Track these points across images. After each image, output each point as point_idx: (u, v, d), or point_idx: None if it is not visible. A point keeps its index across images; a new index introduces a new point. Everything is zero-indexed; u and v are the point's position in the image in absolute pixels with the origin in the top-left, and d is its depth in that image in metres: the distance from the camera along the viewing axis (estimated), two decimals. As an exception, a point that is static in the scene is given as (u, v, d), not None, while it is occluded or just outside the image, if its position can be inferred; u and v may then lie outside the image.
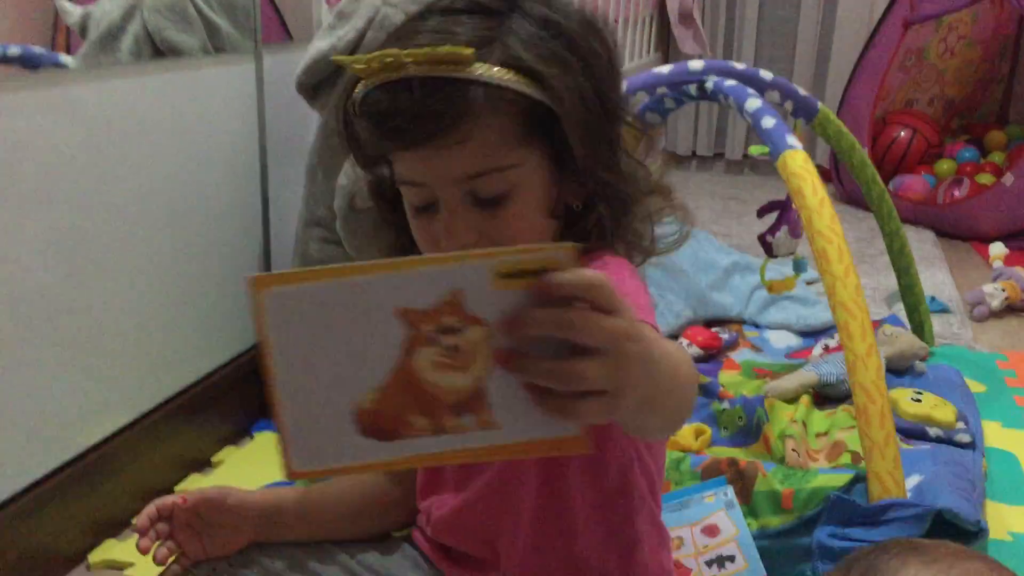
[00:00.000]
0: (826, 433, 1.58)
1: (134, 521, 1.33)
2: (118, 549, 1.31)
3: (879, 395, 1.13)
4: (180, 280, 1.49)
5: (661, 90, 1.55)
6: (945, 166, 3.25)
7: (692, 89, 1.56)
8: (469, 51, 0.65)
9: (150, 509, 0.83)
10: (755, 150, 1.42)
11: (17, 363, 1.19)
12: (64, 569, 1.27)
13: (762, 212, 1.73)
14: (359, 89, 0.70)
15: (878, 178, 1.80)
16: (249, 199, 1.65)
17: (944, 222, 3.01)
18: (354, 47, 1.51)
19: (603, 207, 0.74)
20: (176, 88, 1.45)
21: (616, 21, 3.05)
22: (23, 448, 1.22)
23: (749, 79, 1.58)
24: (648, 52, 3.58)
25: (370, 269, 0.47)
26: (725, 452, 1.53)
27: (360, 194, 1.36)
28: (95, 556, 1.29)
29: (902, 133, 3.29)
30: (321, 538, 0.88)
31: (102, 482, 1.34)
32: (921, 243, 2.81)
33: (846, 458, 1.48)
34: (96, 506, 1.33)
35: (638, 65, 3.35)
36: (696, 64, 1.56)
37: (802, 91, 1.67)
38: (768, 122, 1.37)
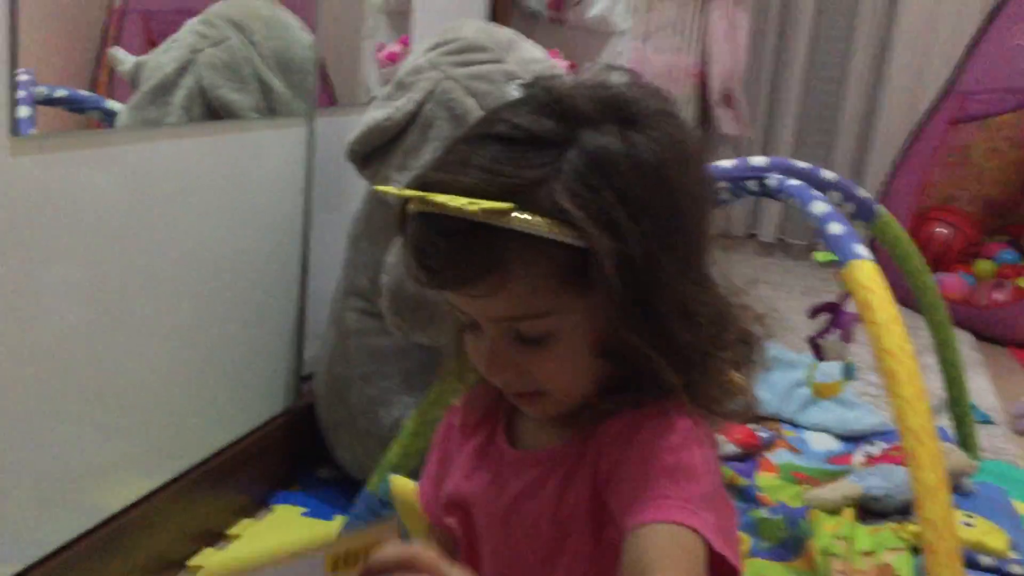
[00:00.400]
0: (872, 553, 1.51)
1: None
2: (126, 629, 1.24)
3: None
4: (211, 343, 1.44)
5: (722, 184, 1.50)
6: (984, 266, 3.20)
7: (753, 185, 1.51)
8: (508, 207, 0.63)
9: None
10: (821, 257, 1.36)
11: (35, 416, 1.14)
12: (69, 649, 1.20)
13: (814, 313, 1.67)
14: (411, 206, 0.67)
15: (934, 284, 1.75)
16: (288, 264, 1.60)
17: (982, 324, 2.95)
18: (411, 119, 1.47)
19: (660, 361, 0.67)
20: (226, 149, 1.42)
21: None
22: (38, 514, 1.16)
23: (810, 178, 1.53)
24: (688, 129, 3.55)
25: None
26: (767, 567, 1.45)
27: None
28: (101, 635, 1.22)
29: (942, 230, 3.25)
30: None
31: (115, 557, 1.27)
32: (959, 345, 2.74)
33: (893, 583, 1.40)
34: (107, 581, 1.26)
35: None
36: (759, 160, 1.52)
37: (862, 192, 1.62)
38: (835, 228, 1.32)
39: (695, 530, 0.63)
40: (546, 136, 0.65)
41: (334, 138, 1.58)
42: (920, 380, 1.17)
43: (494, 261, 0.64)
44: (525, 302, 0.65)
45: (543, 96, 0.68)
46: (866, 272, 1.25)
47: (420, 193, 0.64)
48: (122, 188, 1.22)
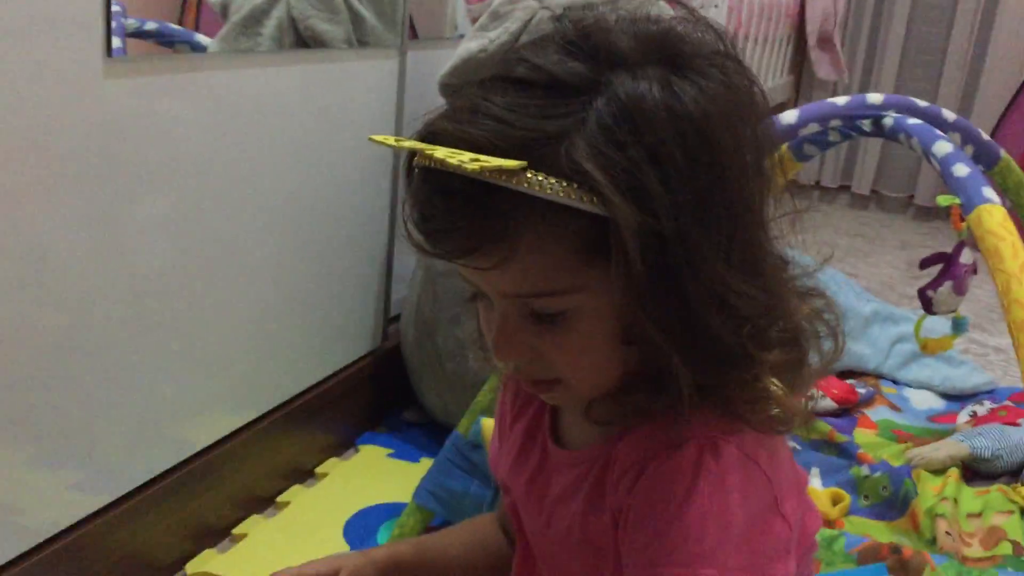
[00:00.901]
0: (979, 514, 1.44)
1: (234, 532, 1.30)
2: (217, 561, 1.24)
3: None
4: (298, 280, 1.42)
5: (834, 122, 1.41)
6: (1097, 221, 3.02)
7: (867, 124, 1.42)
8: (518, 166, 0.51)
9: None
10: (944, 200, 1.27)
11: (128, 352, 1.13)
12: (160, 579, 1.21)
13: (925, 264, 1.58)
14: (416, 159, 0.57)
15: (1056, 237, 1.63)
16: (378, 201, 1.57)
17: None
18: (506, 50, 1.41)
19: (676, 359, 0.56)
20: (316, 79, 1.38)
21: (747, 38, 2.90)
22: (131, 447, 1.16)
23: (931, 117, 1.44)
24: (781, 74, 3.42)
25: None
26: (868, 525, 1.39)
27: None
28: (193, 567, 1.23)
29: (1053, 181, 3.07)
30: None
31: (206, 489, 1.27)
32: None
33: (1005, 547, 1.34)
34: (197, 514, 1.26)
35: (768, 88, 3.20)
36: (875, 97, 1.43)
37: (984, 135, 1.51)
38: (961, 170, 1.23)
39: None
40: (571, 80, 0.54)
41: (425, 71, 1.53)
42: (1053, 334, 1.09)
43: (503, 229, 0.53)
44: (539, 277, 0.55)
45: (572, 31, 0.56)
46: (996, 217, 1.17)
47: (417, 144, 0.54)
48: (212, 117, 1.19)
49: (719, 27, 0.59)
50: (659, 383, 0.58)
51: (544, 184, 0.52)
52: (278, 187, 1.33)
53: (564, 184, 0.52)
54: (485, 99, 0.54)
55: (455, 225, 0.54)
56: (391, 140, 0.56)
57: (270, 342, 1.38)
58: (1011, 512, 1.42)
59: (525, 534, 0.74)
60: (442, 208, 0.54)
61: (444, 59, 1.47)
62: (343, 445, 1.55)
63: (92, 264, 1.05)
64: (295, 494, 1.40)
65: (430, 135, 0.55)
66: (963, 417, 1.75)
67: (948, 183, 1.25)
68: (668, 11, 0.56)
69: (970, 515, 1.43)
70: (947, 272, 1.57)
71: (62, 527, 1.07)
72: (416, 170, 0.56)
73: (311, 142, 1.38)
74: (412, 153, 0.56)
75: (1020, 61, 3.26)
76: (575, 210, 0.52)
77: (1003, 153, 1.54)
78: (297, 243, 1.40)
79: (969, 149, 1.51)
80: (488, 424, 1.23)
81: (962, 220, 1.54)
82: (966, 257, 1.59)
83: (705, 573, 0.55)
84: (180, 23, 1.46)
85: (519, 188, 0.52)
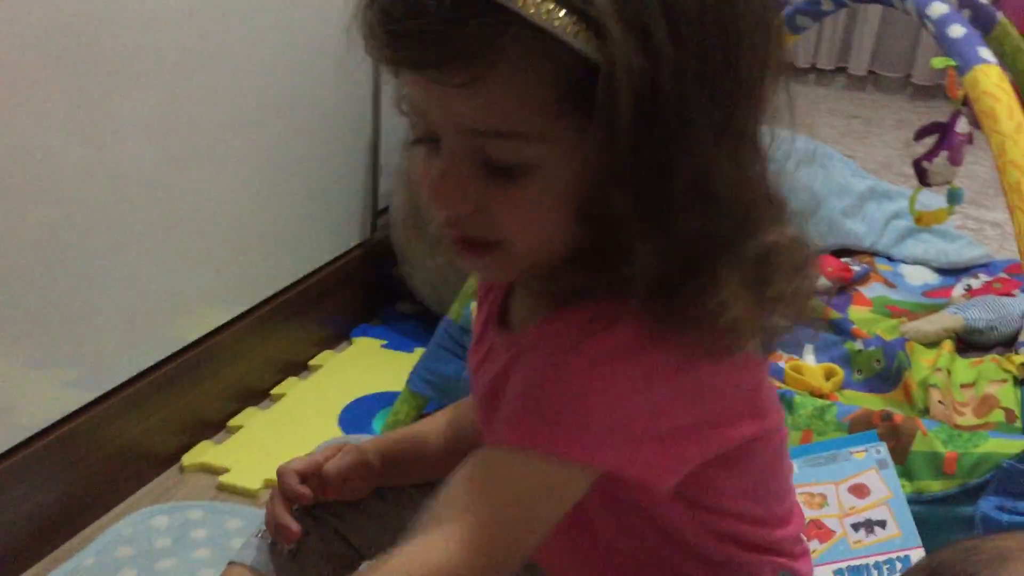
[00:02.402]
0: (972, 384, 1.44)
1: (229, 424, 1.30)
2: (213, 452, 1.25)
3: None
4: (284, 170, 1.39)
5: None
6: (1098, 94, 2.96)
7: (860, -10, 1.37)
8: None
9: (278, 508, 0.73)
10: (938, 62, 1.24)
11: (116, 247, 1.12)
12: (157, 470, 1.22)
13: (920, 134, 1.55)
14: None
15: (1055, 104, 1.60)
16: (360, 93, 1.53)
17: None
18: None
19: (644, 241, 0.50)
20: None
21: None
22: (121, 341, 1.16)
23: (925, -20, 1.39)
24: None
25: None
26: (861, 398, 1.40)
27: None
28: (189, 458, 1.24)
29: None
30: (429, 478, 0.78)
31: (200, 382, 1.28)
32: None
33: (998, 415, 1.34)
34: (192, 406, 1.27)
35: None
36: (868, -39, 1.37)
37: (982, -1, 1.46)
38: (956, 31, 1.19)
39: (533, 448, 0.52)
40: None
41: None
42: (1048, 195, 1.07)
43: (480, 43, 0.47)
44: (506, 112, 0.49)
45: None
46: (991, 77, 1.13)
47: None
48: (189, 8, 1.15)
49: None
50: (606, 264, 0.52)
51: (541, 7, 0.46)
52: (261, 77, 1.30)
53: (563, 12, 0.46)
54: None
55: (428, 27, 0.47)
56: None
57: (259, 235, 1.37)
58: (1004, 381, 1.41)
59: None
60: (420, 8, 0.47)
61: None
62: (337, 338, 1.55)
63: (76, 158, 1.03)
64: (290, 386, 1.41)
65: None
66: (958, 291, 1.74)
67: (943, 45, 1.21)
68: None
69: (963, 385, 1.43)
70: (943, 142, 1.55)
71: (53, 420, 1.07)
72: None
73: (289, 24, 1.34)
74: None
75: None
76: (565, 47, 0.47)
77: (1000, 17, 1.49)
78: (282, 137, 1.37)
79: (966, 13, 1.46)
80: (478, 308, 1.22)
81: (957, 88, 1.50)
82: (962, 126, 1.56)
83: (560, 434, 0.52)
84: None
85: (511, 4, 0.46)
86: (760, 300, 0.53)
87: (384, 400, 1.35)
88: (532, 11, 0.46)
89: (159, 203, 1.17)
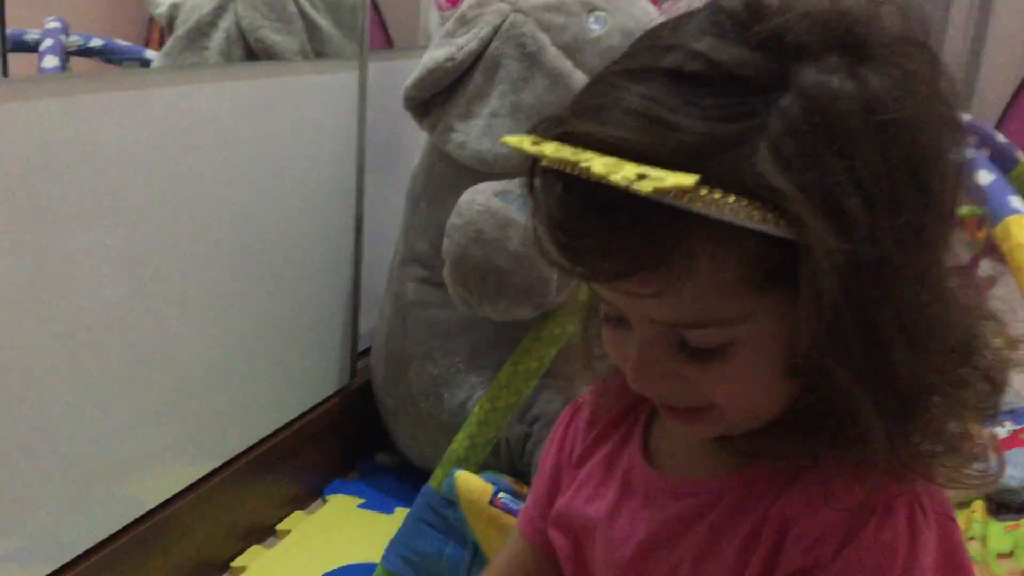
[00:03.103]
0: (1010, 554, 1.31)
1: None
2: (161, 642, 1.11)
3: None
4: (256, 316, 1.29)
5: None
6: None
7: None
8: (693, 183, 0.42)
9: None
10: (966, 211, 1.15)
11: (68, 399, 1.02)
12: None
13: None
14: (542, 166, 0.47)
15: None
16: (341, 227, 1.45)
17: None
18: (476, 59, 1.29)
19: (866, 403, 0.47)
20: (269, 95, 1.26)
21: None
22: (63, 516, 1.04)
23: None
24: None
25: None
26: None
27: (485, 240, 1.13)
28: (134, 650, 1.09)
29: (1057, 181, 2.97)
30: None
31: (150, 558, 1.14)
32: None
33: (1044, 594, 1.21)
34: (140, 586, 1.13)
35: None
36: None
37: (1001, 137, 1.39)
38: (984, 177, 1.11)
39: None
40: (749, 73, 0.44)
41: (389, 84, 1.41)
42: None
43: (669, 252, 0.45)
44: (704, 307, 0.46)
45: (739, 13, 0.46)
46: (1026, 230, 1.05)
47: (568, 155, 0.44)
48: (155, 138, 1.08)
49: (908, 3, 0.48)
50: (824, 422, 0.49)
51: (723, 204, 0.43)
52: (231, 214, 1.21)
53: (746, 203, 0.43)
54: (633, 86, 0.45)
55: (612, 245, 0.45)
56: (527, 144, 0.47)
57: (226, 385, 1.26)
58: (1045, 551, 1.29)
59: None
60: (596, 226, 0.45)
61: (410, 70, 1.35)
62: (309, 496, 1.42)
63: (22, 304, 0.94)
64: (253, 556, 1.27)
65: (566, 135, 0.45)
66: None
67: (969, 191, 1.13)
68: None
69: (1000, 556, 1.31)
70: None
71: (-20, 614, 0.94)
72: (544, 176, 0.48)
73: (266, 163, 1.26)
74: (534, 160, 0.48)
75: (1018, 59, 3.15)
76: (754, 231, 0.44)
77: (1021, 155, 1.42)
78: (254, 275, 1.27)
79: (985, 151, 1.39)
80: (464, 477, 1.10)
81: (979, 229, 1.42)
82: (984, 270, 1.48)
83: None
84: (147, 42, 1.36)
85: (690, 207, 0.43)
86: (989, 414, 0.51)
87: (359, 573, 1.22)
88: (715, 209, 0.43)
89: (116, 352, 1.07)
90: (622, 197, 0.43)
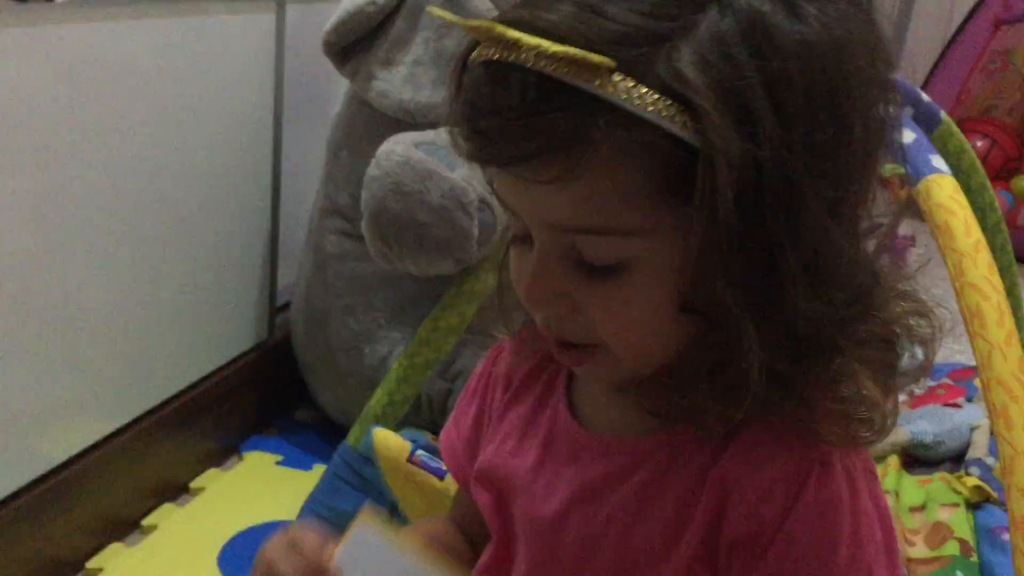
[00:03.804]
0: (922, 507, 1.34)
1: (88, 566, 1.14)
2: (66, 604, 1.07)
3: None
4: (169, 266, 1.25)
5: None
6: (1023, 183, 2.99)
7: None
8: (606, 62, 0.43)
9: None
10: (889, 169, 1.15)
11: None
12: (-4, 630, 1.04)
13: (862, 236, 1.47)
14: (473, 55, 0.48)
15: (997, 205, 1.54)
16: (258, 177, 1.40)
17: (1020, 247, 2.75)
18: (398, 4, 1.24)
19: (752, 337, 0.46)
20: (181, 36, 1.20)
21: None
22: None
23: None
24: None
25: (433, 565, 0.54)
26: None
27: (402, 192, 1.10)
28: (37, 613, 1.06)
29: (978, 143, 3.02)
30: None
31: (57, 515, 1.11)
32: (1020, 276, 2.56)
33: (952, 547, 1.24)
34: (44, 546, 1.10)
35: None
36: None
37: (925, 96, 1.40)
38: (908, 136, 1.11)
39: None
40: None
41: (309, 28, 1.36)
42: (1011, 319, 0.97)
43: (573, 135, 0.44)
44: (600, 207, 0.46)
45: None
46: (946, 189, 1.05)
47: (486, 22, 0.46)
48: (59, 80, 1.03)
49: None
50: (720, 372, 0.48)
51: (633, 93, 0.43)
52: (142, 160, 1.16)
53: (657, 96, 0.44)
54: None
55: (517, 123, 0.45)
56: (455, 18, 0.49)
57: (138, 338, 1.22)
58: (956, 505, 1.32)
59: (509, 536, 0.61)
60: (505, 103, 0.45)
61: (330, 14, 1.30)
62: (224, 453, 1.39)
63: None
64: (164, 515, 1.24)
65: (500, 20, 0.47)
66: (900, 397, 1.65)
67: (890, 150, 1.12)
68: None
69: (912, 509, 1.34)
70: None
71: None
72: (470, 68, 0.48)
73: (177, 107, 1.21)
74: (469, 48, 0.49)
75: (946, 20, 3.19)
76: (660, 132, 0.44)
77: (944, 115, 1.42)
78: (166, 224, 1.23)
79: (908, 111, 1.39)
80: (381, 435, 1.08)
81: (900, 188, 1.43)
82: (904, 229, 1.50)
83: None
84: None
85: (600, 93, 0.43)
86: (889, 382, 0.51)
87: (274, 532, 1.19)
88: (624, 97, 0.44)
89: (20, 302, 1.02)
90: (534, 76, 0.44)
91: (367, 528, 0.55)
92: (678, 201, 0.45)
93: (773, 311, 0.46)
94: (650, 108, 0.43)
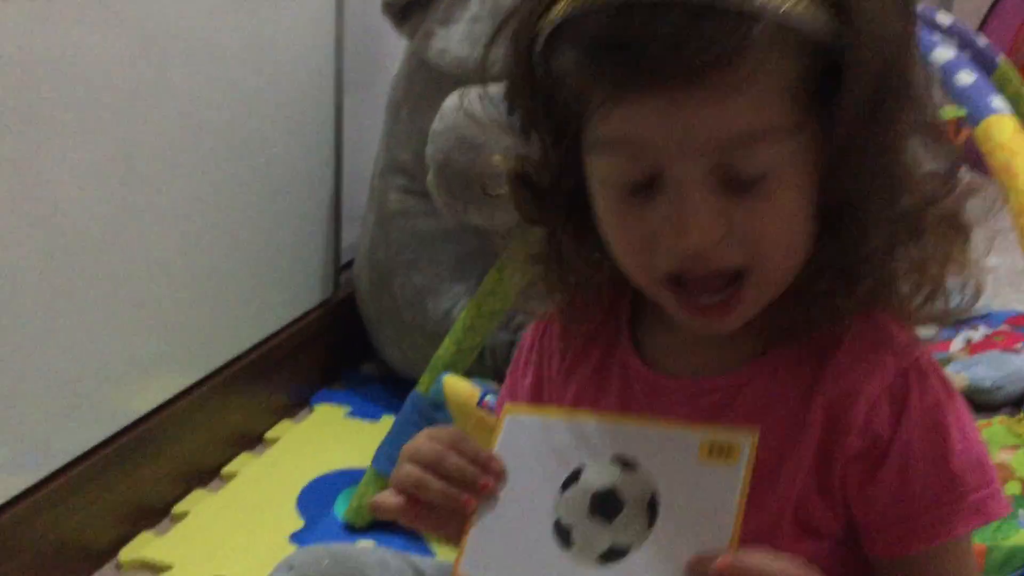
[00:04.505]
0: (983, 451, 1.35)
1: (175, 511, 1.18)
2: (154, 546, 1.13)
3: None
4: (238, 227, 1.29)
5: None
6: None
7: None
8: None
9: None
10: (948, 113, 1.15)
11: (52, 311, 1.02)
12: (91, 568, 1.09)
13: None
14: (560, 9, 0.48)
15: (1057, 149, 1.52)
16: (320, 138, 1.43)
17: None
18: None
19: (878, 231, 0.51)
20: (244, 1, 1.22)
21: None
22: (52, 424, 1.04)
23: (924, 21, 1.30)
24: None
25: (596, 416, 0.55)
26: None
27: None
28: (127, 553, 1.11)
29: (1035, 92, 2.97)
30: None
31: (141, 464, 1.16)
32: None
33: (1014, 487, 1.25)
34: (132, 493, 1.15)
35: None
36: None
37: (981, 39, 1.38)
38: (966, 78, 1.10)
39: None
40: None
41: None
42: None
43: (733, 44, 0.46)
44: (769, 109, 0.48)
45: None
46: (1006, 129, 1.05)
47: None
48: (129, 49, 1.06)
49: None
50: (840, 274, 0.52)
51: (786, 3, 0.46)
52: (207, 122, 1.20)
53: (803, 2, 0.47)
54: None
55: (684, 41, 0.45)
56: None
57: (210, 296, 1.26)
58: (1016, 447, 1.33)
59: None
60: (664, 28, 0.45)
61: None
62: (296, 406, 1.43)
63: (4, 215, 0.94)
64: (243, 463, 1.29)
65: None
66: (957, 344, 1.65)
67: (951, 93, 1.12)
68: None
69: (972, 452, 1.35)
70: (943, 191, 1.46)
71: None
72: (579, 14, 0.48)
73: (241, 71, 1.25)
74: (546, 4, 0.50)
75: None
76: (805, 33, 0.47)
77: (1000, 59, 1.41)
78: (235, 186, 1.27)
79: (966, 54, 1.38)
80: (451, 382, 1.11)
81: (957, 135, 1.42)
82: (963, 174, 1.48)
83: (995, 486, 0.54)
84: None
85: (752, 8, 0.45)
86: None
87: (348, 478, 1.23)
88: (786, 8, 0.46)
89: (101, 262, 1.07)
90: (680, 5, 0.45)
91: (514, 417, 0.57)
92: (818, 106, 0.48)
93: (884, 204, 0.50)
94: (801, 11, 0.46)
